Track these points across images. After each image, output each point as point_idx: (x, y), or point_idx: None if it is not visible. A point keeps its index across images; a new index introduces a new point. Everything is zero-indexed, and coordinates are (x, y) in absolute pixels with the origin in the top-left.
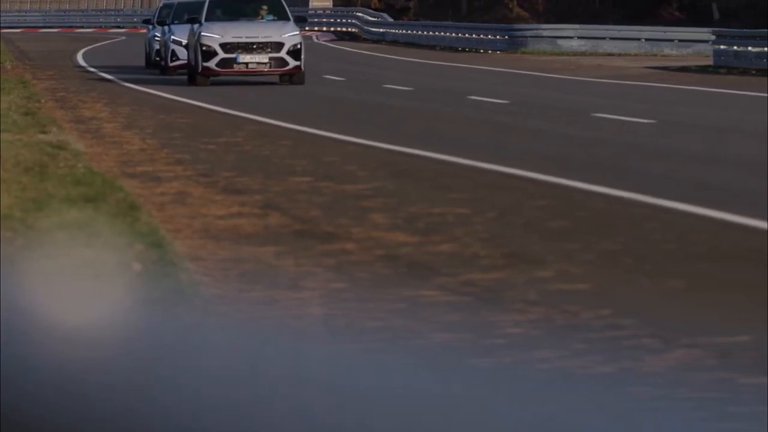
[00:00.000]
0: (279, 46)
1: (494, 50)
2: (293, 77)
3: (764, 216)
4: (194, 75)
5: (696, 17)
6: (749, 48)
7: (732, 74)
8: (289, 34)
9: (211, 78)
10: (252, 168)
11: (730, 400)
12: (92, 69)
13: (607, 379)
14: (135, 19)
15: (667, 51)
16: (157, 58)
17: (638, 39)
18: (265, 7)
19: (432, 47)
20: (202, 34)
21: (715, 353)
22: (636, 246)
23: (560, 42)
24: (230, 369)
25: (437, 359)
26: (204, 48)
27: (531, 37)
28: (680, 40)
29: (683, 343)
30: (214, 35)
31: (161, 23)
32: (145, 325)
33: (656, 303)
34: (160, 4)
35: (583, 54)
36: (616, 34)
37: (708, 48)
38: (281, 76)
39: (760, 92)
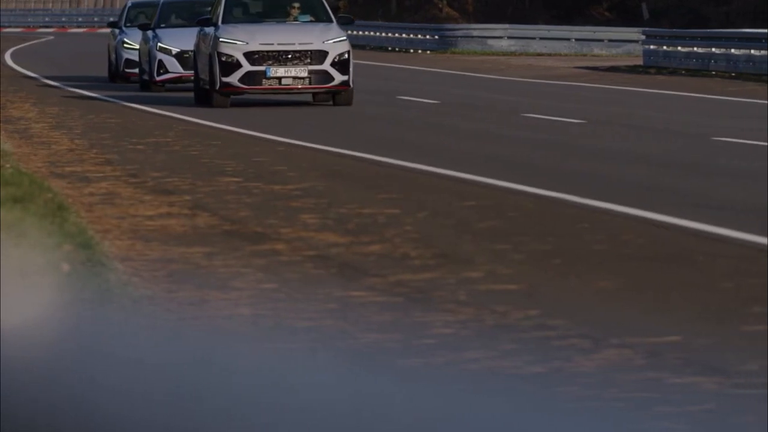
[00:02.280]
0: (321, 55)
1: (424, 50)
2: (338, 96)
3: (693, 216)
4: (205, 93)
5: (626, 17)
6: (679, 48)
7: (661, 74)
8: (333, 40)
9: (232, 97)
10: (181, 168)
11: (659, 400)
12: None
13: (536, 380)
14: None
15: (597, 51)
16: (128, 70)
17: (568, 39)
18: (297, 5)
19: (362, 47)
20: (221, 40)
21: (645, 353)
22: (566, 246)
23: (490, 42)
24: (159, 368)
25: (367, 359)
26: (223, 58)
27: (461, 37)
28: (610, 40)
29: (613, 343)
30: (237, 41)
31: (143, 27)
32: (73, 325)
33: (586, 303)
34: (128, 3)
35: (513, 54)
36: (545, 34)
37: (638, 48)
38: (316, 93)
39: (689, 92)
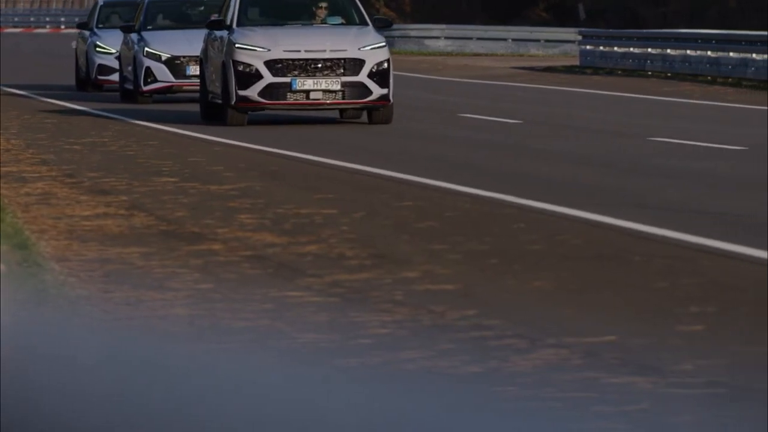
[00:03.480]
0: (357, 65)
1: None
2: (375, 113)
3: (629, 215)
4: (216, 108)
5: (562, 18)
6: (615, 48)
7: (598, 74)
8: (371, 47)
9: (250, 112)
10: (118, 168)
11: (596, 399)
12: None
13: (473, 379)
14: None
15: (533, 51)
16: (101, 77)
17: (505, 39)
18: (324, 4)
19: None
20: (237, 46)
21: (581, 353)
22: (503, 246)
23: (427, 42)
24: (95, 368)
25: (303, 359)
26: (240, 68)
27: (398, 37)
28: (547, 41)
29: (549, 343)
30: (257, 48)
31: (127, 29)
32: (10, 325)
33: (523, 303)
34: (100, 2)
35: (450, 54)
36: (482, 34)
37: (574, 48)
38: (343, 109)
39: (626, 92)
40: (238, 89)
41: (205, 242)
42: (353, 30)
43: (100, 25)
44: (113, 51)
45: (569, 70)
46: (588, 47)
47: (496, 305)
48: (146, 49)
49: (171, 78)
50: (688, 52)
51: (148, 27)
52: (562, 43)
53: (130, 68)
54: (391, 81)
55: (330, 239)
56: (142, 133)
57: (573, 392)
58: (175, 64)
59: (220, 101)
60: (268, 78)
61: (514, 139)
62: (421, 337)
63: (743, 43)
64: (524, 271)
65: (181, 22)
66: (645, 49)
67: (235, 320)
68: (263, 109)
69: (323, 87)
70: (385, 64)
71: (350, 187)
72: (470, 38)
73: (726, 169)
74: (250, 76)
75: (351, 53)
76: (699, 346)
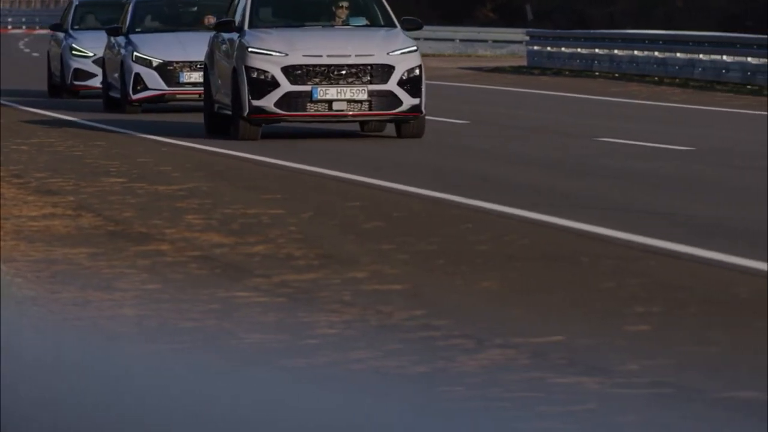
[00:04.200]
0: (386, 71)
1: None
2: (405, 126)
3: (576, 216)
4: (223, 120)
5: (510, 18)
6: (562, 48)
7: (545, 75)
8: (401, 51)
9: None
10: (65, 169)
11: (543, 399)
12: None
13: (421, 379)
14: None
15: (481, 52)
16: (77, 82)
17: (452, 40)
18: (345, 4)
19: None
20: (250, 50)
21: (528, 353)
22: (450, 247)
23: None
24: (42, 368)
25: (251, 360)
26: (254, 75)
27: None
28: (494, 41)
29: (497, 343)
30: (273, 52)
31: (113, 32)
32: None
33: (470, 303)
34: (75, 1)
35: None
36: (430, 34)
37: (522, 48)
38: (364, 121)
39: (573, 93)
40: (252, 99)
41: (153, 243)
42: (380, 32)
43: (76, 27)
44: (91, 54)
45: (517, 70)
46: (535, 48)
47: (443, 305)
48: (135, 53)
49: (163, 86)
50: (636, 52)
51: (137, 29)
52: (509, 43)
53: (116, 75)
54: (423, 90)
55: (278, 239)
56: (88, 133)
57: (520, 392)
58: (167, 71)
59: (228, 112)
60: (286, 86)
61: (462, 139)
62: (369, 337)
63: (690, 43)
64: (472, 271)
65: (173, 24)
66: (592, 50)
67: (182, 320)
68: (279, 121)
69: (348, 96)
70: (417, 71)
71: (297, 187)
72: (417, 38)
73: (672, 170)
74: (265, 84)
75: (379, 58)
76: (645, 347)
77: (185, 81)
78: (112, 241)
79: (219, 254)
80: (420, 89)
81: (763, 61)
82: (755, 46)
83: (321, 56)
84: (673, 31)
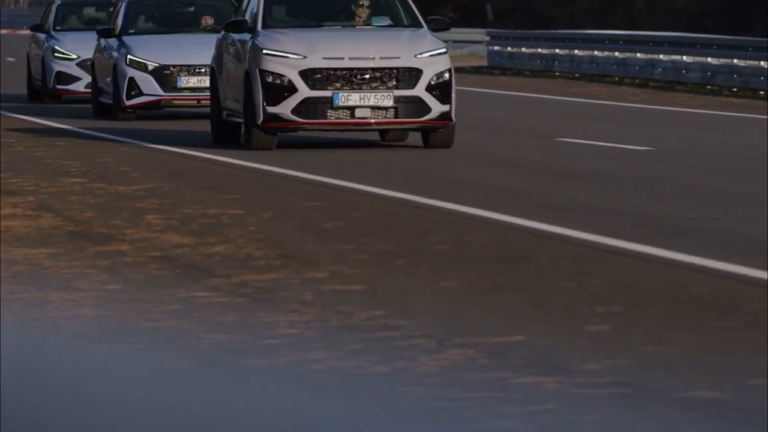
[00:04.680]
0: (413, 75)
1: None
2: (433, 135)
3: (536, 216)
4: (233, 129)
5: (470, 18)
6: (523, 49)
7: (506, 75)
8: (429, 53)
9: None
10: (25, 169)
11: (503, 399)
12: None
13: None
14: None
15: None
16: (60, 86)
17: None
18: (366, 2)
19: None
20: (264, 52)
21: (488, 353)
22: (410, 246)
23: None
24: (2, 370)
25: (211, 360)
26: (269, 79)
27: None
28: (454, 41)
29: (456, 343)
30: (289, 54)
31: (104, 34)
32: None
33: (430, 303)
34: (57, 1)
35: None
36: None
37: (482, 49)
38: (385, 130)
39: (533, 93)
40: (267, 105)
41: (113, 243)
42: (406, 33)
43: (58, 27)
44: (74, 56)
45: (477, 70)
46: (496, 48)
47: (403, 305)
48: (129, 56)
49: (159, 91)
50: (596, 52)
51: (130, 31)
52: (469, 43)
53: (108, 79)
54: (453, 96)
55: (238, 239)
56: (49, 133)
57: (480, 392)
58: (163, 75)
59: (239, 120)
60: (304, 91)
61: (420, 139)
62: (329, 337)
63: (650, 44)
64: (432, 271)
65: (168, 25)
66: (553, 50)
67: (142, 321)
68: (297, 129)
69: (372, 103)
70: (447, 75)
71: (257, 188)
72: None
73: (632, 170)
74: (281, 89)
75: (405, 61)
76: (606, 347)
77: (183, 86)
78: (72, 241)
79: (179, 254)
80: (450, 95)
81: (722, 61)
82: (715, 47)
83: (342, 59)
84: (633, 32)
